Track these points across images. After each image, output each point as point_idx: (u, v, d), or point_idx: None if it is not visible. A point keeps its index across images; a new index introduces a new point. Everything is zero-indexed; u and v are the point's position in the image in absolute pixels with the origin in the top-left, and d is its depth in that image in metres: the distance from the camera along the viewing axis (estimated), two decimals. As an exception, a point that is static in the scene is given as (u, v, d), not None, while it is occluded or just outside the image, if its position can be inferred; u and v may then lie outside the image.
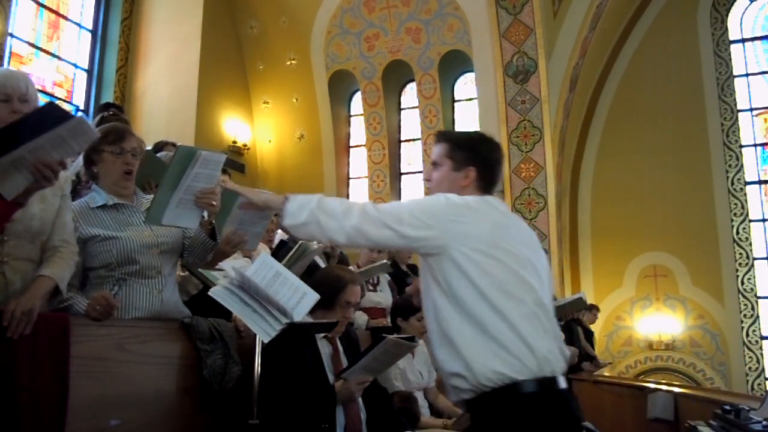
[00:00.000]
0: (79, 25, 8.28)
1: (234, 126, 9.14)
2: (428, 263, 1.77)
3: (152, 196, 2.35)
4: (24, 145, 1.64)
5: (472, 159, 1.86)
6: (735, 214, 8.39)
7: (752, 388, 7.95)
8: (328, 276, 2.61)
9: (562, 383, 1.69)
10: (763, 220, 8.49)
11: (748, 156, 8.62)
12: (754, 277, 8.24)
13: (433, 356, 1.83)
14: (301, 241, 3.09)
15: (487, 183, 1.88)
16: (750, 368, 8.12)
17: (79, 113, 8.00)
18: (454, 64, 8.72)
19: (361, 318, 3.95)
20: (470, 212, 1.74)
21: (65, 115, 1.68)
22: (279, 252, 3.51)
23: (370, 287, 4.42)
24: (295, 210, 1.79)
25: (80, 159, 2.55)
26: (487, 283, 1.66)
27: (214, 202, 2.23)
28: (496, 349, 1.62)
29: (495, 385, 1.61)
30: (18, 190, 1.70)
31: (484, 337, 1.63)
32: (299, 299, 2.08)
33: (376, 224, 1.73)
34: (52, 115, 1.67)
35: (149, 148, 3.25)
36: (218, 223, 2.36)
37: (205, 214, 2.30)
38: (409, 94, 9.38)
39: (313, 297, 2.15)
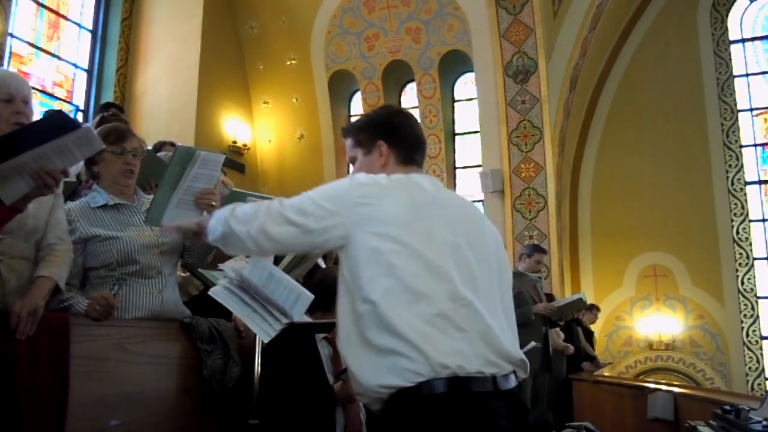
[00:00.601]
0: (79, 25, 8.28)
1: (234, 126, 9.14)
2: (341, 261, 1.57)
3: (153, 196, 2.36)
4: (29, 151, 1.64)
5: (377, 133, 1.74)
6: (735, 214, 8.39)
7: (752, 388, 7.95)
8: (328, 278, 2.58)
9: (484, 385, 1.42)
10: (763, 220, 8.50)
11: (748, 156, 8.63)
12: (754, 277, 8.25)
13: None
14: None
15: (405, 152, 1.73)
16: (750, 368, 8.13)
17: (79, 113, 8.01)
18: (454, 64, 8.72)
19: None
20: (378, 191, 1.53)
21: (73, 124, 1.69)
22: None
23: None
24: (213, 224, 1.68)
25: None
26: (390, 282, 1.44)
27: (214, 203, 2.24)
28: (381, 360, 1.43)
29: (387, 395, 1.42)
30: (18, 196, 1.70)
31: (368, 348, 1.45)
32: (295, 300, 2.08)
33: (278, 220, 1.55)
34: (61, 124, 1.67)
35: (149, 148, 3.25)
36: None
37: (205, 214, 2.30)
38: (409, 94, 9.37)
39: (307, 298, 2.14)
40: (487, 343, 1.46)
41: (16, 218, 1.85)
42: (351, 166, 1.83)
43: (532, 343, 4.13)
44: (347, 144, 1.83)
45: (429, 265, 1.47)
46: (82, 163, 2.50)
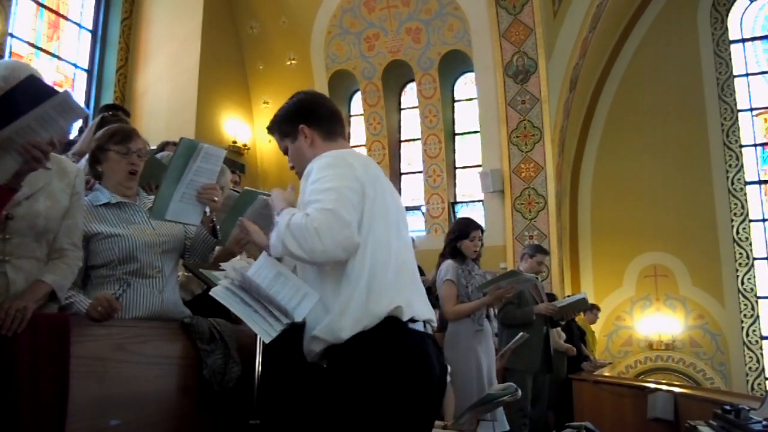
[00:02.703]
0: (79, 25, 8.28)
1: (234, 126, 9.14)
2: None
3: (154, 197, 2.36)
4: (9, 126, 1.57)
5: (294, 119, 1.90)
6: (735, 214, 8.39)
7: (752, 388, 7.95)
8: None
9: None
10: (763, 220, 8.50)
11: (748, 156, 8.63)
12: (754, 277, 8.25)
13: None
14: None
15: (325, 128, 1.91)
16: (750, 368, 8.13)
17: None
18: (454, 64, 8.72)
19: None
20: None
21: (49, 90, 1.62)
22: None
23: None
24: (274, 242, 1.75)
25: (83, 161, 2.55)
26: None
27: (216, 198, 2.26)
28: None
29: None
30: (8, 174, 1.65)
31: None
32: (300, 299, 2.08)
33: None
34: (36, 91, 1.60)
35: (153, 147, 3.26)
36: (229, 223, 2.40)
37: (207, 210, 2.31)
38: (409, 94, 9.38)
39: (314, 297, 2.15)
40: None
41: (26, 218, 1.82)
42: (286, 156, 1.97)
43: (521, 334, 4.14)
44: (277, 140, 1.99)
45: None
46: (83, 164, 2.51)
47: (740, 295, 8.24)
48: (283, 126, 1.94)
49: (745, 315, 8.21)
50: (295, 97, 1.99)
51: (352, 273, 1.68)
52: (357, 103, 9.51)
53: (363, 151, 9.34)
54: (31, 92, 1.60)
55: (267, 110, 9.56)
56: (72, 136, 3.92)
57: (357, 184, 1.70)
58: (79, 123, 4.19)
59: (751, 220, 8.39)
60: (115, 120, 3.36)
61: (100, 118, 3.47)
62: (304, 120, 1.89)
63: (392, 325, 1.66)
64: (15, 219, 1.81)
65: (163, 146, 3.60)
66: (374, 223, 1.72)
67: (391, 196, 1.85)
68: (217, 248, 2.49)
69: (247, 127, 9.43)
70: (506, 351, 4.20)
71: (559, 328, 5.57)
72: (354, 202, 1.66)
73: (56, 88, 1.70)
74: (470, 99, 8.86)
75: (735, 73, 8.69)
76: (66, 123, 1.70)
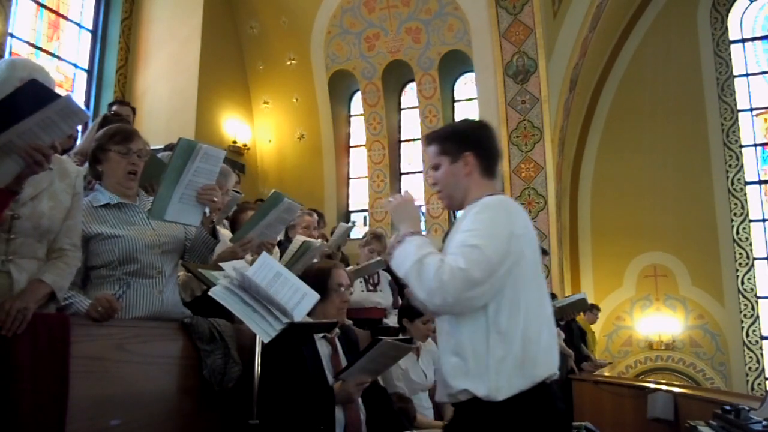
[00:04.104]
0: (79, 25, 8.28)
1: (234, 126, 9.14)
2: None
3: (153, 198, 2.37)
4: (10, 129, 1.57)
5: (465, 145, 1.84)
6: (735, 214, 8.39)
7: (752, 388, 7.95)
8: (311, 272, 2.68)
9: None
10: (763, 220, 8.50)
11: (748, 156, 8.63)
12: (754, 277, 8.25)
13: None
14: (303, 240, 3.11)
15: (488, 164, 1.86)
16: (750, 368, 8.13)
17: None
18: (454, 64, 8.72)
19: None
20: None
21: (51, 94, 1.62)
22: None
23: (371, 287, 4.42)
24: (397, 263, 1.74)
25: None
26: None
27: (215, 198, 2.26)
28: None
29: None
30: (9, 177, 1.65)
31: None
32: (299, 299, 2.09)
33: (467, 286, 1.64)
34: (38, 95, 1.60)
35: (159, 147, 3.27)
36: (250, 224, 2.47)
37: (207, 210, 2.32)
38: (409, 94, 9.37)
39: (313, 297, 2.15)
40: None
41: (30, 218, 1.82)
42: (433, 171, 1.90)
43: None
44: (430, 151, 1.91)
45: None
46: (85, 165, 2.52)
47: (740, 295, 8.24)
48: (448, 144, 1.86)
49: (745, 315, 8.21)
50: (469, 123, 1.97)
51: (507, 330, 1.64)
52: (357, 103, 9.51)
53: (363, 151, 9.35)
54: (33, 96, 1.59)
55: (267, 110, 9.57)
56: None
57: (508, 244, 1.65)
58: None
59: (751, 220, 8.39)
60: (117, 119, 3.36)
61: (102, 117, 3.48)
62: (473, 148, 1.84)
63: (546, 390, 1.66)
64: (20, 219, 1.81)
65: (171, 148, 3.60)
66: (528, 283, 1.69)
67: (538, 251, 1.81)
68: (218, 248, 2.49)
69: (247, 127, 9.43)
70: None
71: (558, 329, 5.58)
72: (495, 264, 1.62)
73: (58, 92, 1.69)
74: (470, 99, 8.86)
75: (735, 73, 8.69)
76: (68, 127, 1.70)
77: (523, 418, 1.61)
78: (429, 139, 1.93)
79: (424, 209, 8.81)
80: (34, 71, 1.85)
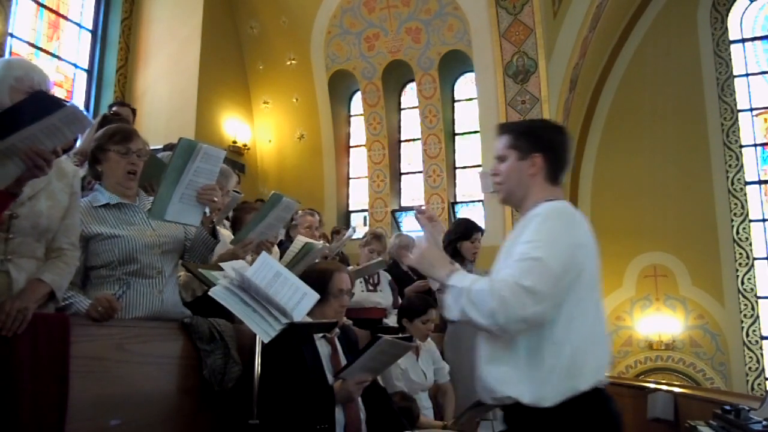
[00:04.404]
0: (79, 25, 8.28)
1: (234, 126, 9.14)
2: None
3: (153, 198, 2.37)
4: (15, 134, 1.59)
5: (537, 145, 1.79)
6: (735, 214, 8.38)
7: (752, 388, 7.95)
8: (314, 271, 2.65)
9: None
10: (763, 220, 8.49)
11: (748, 156, 8.62)
12: (754, 277, 8.24)
13: None
14: (305, 241, 3.11)
15: (555, 170, 1.82)
16: (750, 368, 8.12)
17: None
18: (454, 64, 8.72)
19: None
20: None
21: (57, 104, 1.63)
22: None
23: (371, 287, 4.42)
24: (450, 304, 1.67)
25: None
26: None
27: (216, 198, 2.26)
28: None
29: None
30: (10, 180, 1.66)
31: None
32: (299, 299, 2.09)
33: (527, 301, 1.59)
34: (45, 104, 1.61)
35: (158, 147, 3.27)
36: (252, 225, 2.48)
37: (207, 210, 2.32)
38: (409, 94, 9.37)
39: (313, 297, 2.15)
40: None
41: (29, 217, 1.83)
42: (497, 161, 1.84)
43: None
44: (500, 141, 1.85)
45: None
46: (85, 166, 2.52)
47: (740, 295, 8.24)
48: (521, 140, 1.80)
49: (745, 315, 8.21)
50: (549, 124, 1.91)
51: (560, 341, 1.61)
52: (357, 103, 9.51)
53: (363, 151, 9.35)
54: (39, 105, 1.61)
55: (267, 110, 9.57)
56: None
57: (571, 256, 1.62)
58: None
59: (751, 220, 8.38)
60: (117, 119, 3.37)
61: (102, 117, 3.48)
62: (544, 150, 1.79)
63: (597, 395, 1.63)
64: (19, 218, 1.81)
65: (170, 148, 3.60)
66: (587, 295, 1.67)
67: (598, 260, 1.77)
68: (218, 249, 2.49)
69: (247, 127, 9.43)
70: None
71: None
72: (559, 276, 1.58)
73: (65, 101, 1.72)
74: (470, 99, 8.85)
75: (735, 73, 8.68)
76: (71, 133, 1.72)
77: (573, 424, 1.59)
78: (503, 129, 1.88)
79: (424, 209, 8.79)
80: (30, 71, 1.85)
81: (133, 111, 4.44)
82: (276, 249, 3.40)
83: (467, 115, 8.96)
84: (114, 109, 4.22)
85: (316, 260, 3.23)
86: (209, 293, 2.04)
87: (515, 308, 1.53)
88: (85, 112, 1.71)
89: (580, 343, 1.62)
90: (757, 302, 8.21)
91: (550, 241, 1.62)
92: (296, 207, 2.71)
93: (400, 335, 2.90)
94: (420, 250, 1.81)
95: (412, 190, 9.19)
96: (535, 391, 1.59)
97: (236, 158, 8.92)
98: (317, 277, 2.52)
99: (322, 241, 3.71)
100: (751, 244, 8.31)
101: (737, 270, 8.27)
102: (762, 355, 8.14)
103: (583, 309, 1.65)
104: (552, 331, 1.61)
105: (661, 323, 8.51)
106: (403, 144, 9.41)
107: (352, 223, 9.18)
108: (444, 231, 1.90)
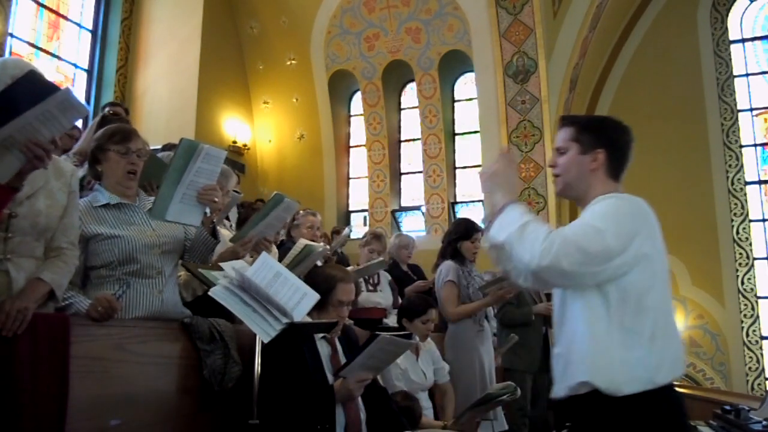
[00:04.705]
0: (79, 25, 8.28)
1: (234, 126, 9.14)
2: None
3: (154, 198, 2.37)
4: (10, 123, 1.57)
5: (601, 141, 1.79)
6: (735, 214, 8.38)
7: (752, 388, 7.95)
8: (319, 276, 2.59)
9: None
10: (763, 220, 8.49)
11: (748, 156, 8.61)
12: (754, 277, 8.24)
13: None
14: (305, 244, 3.11)
15: (616, 168, 1.81)
16: (750, 368, 8.12)
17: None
18: (454, 64, 8.71)
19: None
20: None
21: (50, 86, 1.61)
22: (278, 251, 3.52)
23: (371, 287, 4.42)
24: (496, 230, 1.69)
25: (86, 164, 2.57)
26: None
27: (216, 199, 2.27)
28: None
29: None
30: (11, 173, 1.65)
31: None
32: (299, 299, 2.09)
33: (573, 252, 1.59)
34: (36, 88, 1.59)
35: (157, 147, 3.27)
36: (253, 223, 2.48)
37: (207, 210, 2.32)
38: (409, 94, 9.37)
39: (313, 297, 2.16)
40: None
41: (27, 217, 1.82)
42: (557, 153, 1.82)
43: (511, 335, 4.18)
44: (562, 133, 1.84)
45: None
46: (85, 167, 2.52)
47: (740, 295, 8.23)
48: (584, 134, 1.80)
49: (745, 315, 8.21)
50: (614, 122, 1.89)
51: (632, 328, 1.60)
52: (357, 103, 9.51)
53: (363, 151, 9.35)
54: (31, 89, 1.58)
55: (267, 110, 9.57)
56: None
57: (631, 239, 1.60)
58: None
59: (751, 220, 8.38)
60: (116, 119, 3.37)
61: (101, 117, 3.49)
62: (608, 148, 1.79)
63: (672, 393, 1.63)
64: (18, 218, 1.81)
65: (170, 147, 3.60)
66: (657, 287, 1.66)
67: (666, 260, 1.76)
68: (218, 249, 2.49)
69: (247, 127, 9.43)
70: (497, 353, 4.21)
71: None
72: (613, 251, 1.57)
73: (57, 85, 1.68)
74: (470, 99, 8.85)
75: (735, 73, 8.68)
76: (67, 121, 1.69)
77: (647, 418, 1.57)
78: (567, 121, 1.86)
79: (424, 209, 8.81)
80: (25, 70, 1.85)
81: (126, 111, 4.44)
82: (275, 249, 3.40)
83: (467, 115, 8.96)
84: (107, 110, 4.22)
85: (317, 262, 3.23)
86: (209, 293, 2.04)
87: (560, 258, 1.54)
88: (78, 99, 1.68)
89: (658, 336, 1.61)
90: (757, 302, 8.21)
91: (614, 218, 1.62)
92: (297, 208, 2.72)
93: (399, 333, 2.88)
94: (506, 165, 1.79)
95: (412, 190, 9.19)
96: (610, 377, 1.58)
97: (236, 158, 8.92)
98: (320, 283, 2.46)
99: (323, 243, 3.71)
100: (751, 244, 8.30)
101: (737, 270, 8.26)
102: (762, 355, 8.13)
103: (656, 300, 1.64)
104: (621, 317, 1.59)
105: (661, 323, 8.50)
106: (403, 144, 9.41)
107: (352, 223, 9.18)
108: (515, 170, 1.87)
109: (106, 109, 4.26)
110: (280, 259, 2.99)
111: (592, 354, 1.61)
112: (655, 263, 1.66)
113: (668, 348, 1.63)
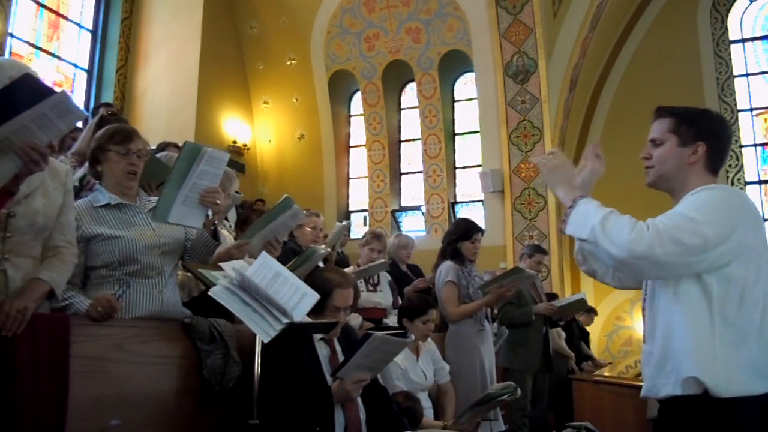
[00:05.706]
0: (79, 25, 8.28)
1: (234, 126, 9.15)
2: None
3: (155, 198, 2.37)
4: (6, 124, 1.56)
5: (702, 134, 1.71)
6: (735, 214, 8.38)
7: None
8: (317, 280, 2.52)
9: None
10: (764, 221, 8.49)
11: (748, 156, 8.62)
12: (754, 277, 8.24)
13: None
14: (308, 245, 3.11)
15: (716, 162, 1.74)
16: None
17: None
18: (454, 64, 8.72)
19: (355, 320, 3.88)
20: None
21: (46, 89, 1.61)
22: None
23: (371, 287, 4.42)
24: (575, 220, 1.68)
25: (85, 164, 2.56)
26: None
27: (219, 201, 2.26)
28: None
29: None
30: (8, 177, 1.65)
31: None
32: (299, 299, 2.09)
33: (668, 243, 1.53)
34: (32, 91, 1.58)
35: (153, 147, 3.26)
36: (258, 226, 2.47)
37: (210, 213, 2.31)
38: (409, 94, 9.37)
39: (313, 297, 2.15)
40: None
41: (25, 216, 1.82)
42: (651, 145, 1.78)
43: (503, 329, 4.21)
44: (658, 124, 1.78)
45: None
46: (85, 166, 2.51)
47: (740, 295, 8.24)
48: (684, 126, 1.73)
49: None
50: (714, 115, 1.81)
51: (738, 323, 1.53)
52: (357, 103, 9.51)
53: (363, 151, 9.35)
54: (28, 91, 1.58)
55: (267, 110, 9.57)
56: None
57: (731, 230, 1.54)
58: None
59: (751, 220, 8.38)
60: (114, 119, 3.36)
61: (99, 118, 3.47)
62: (709, 141, 1.71)
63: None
64: (16, 217, 1.81)
65: (164, 147, 3.60)
66: (762, 277, 1.58)
67: None
68: (217, 250, 2.49)
69: (247, 127, 9.43)
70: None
71: (559, 329, 5.58)
72: (710, 241, 1.51)
73: (54, 88, 1.69)
74: (470, 99, 8.86)
75: (735, 73, 8.68)
76: (64, 125, 1.69)
77: (751, 426, 1.49)
78: (665, 111, 1.78)
79: (424, 209, 8.81)
80: (23, 71, 1.85)
81: (119, 112, 4.45)
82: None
83: (467, 115, 8.96)
84: (100, 111, 4.21)
85: (318, 263, 3.22)
86: (209, 293, 2.04)
87: (655, 248, 1.49)
88: (75, 103, 1.68)
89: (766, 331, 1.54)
90: (757, 302, 8.21)
91: (711, 209, 1.57)
92: (302, 217, 2.70)
93: (393, 331, 2.86)
94: (560, 161, 1.76)
95: (412, 190, 9.19)
96: (717, 373, 1.50)
97: (236, 158, 8.92)
98: (317, 288, 2.35)
99: (324, 246, 3.70)
100: (751, 244, 8.31)
101: (737, 270, 8.26)
102: (762, 355, 8.14)
103: (766, 296, 1.56)
104: (723, 310, 1.53)
105: (661, 323, 8.50)
106: (403, 144, 9.41)
107: (352, 223, 9.18)
108: (598, 173, 1.85)
109: (100, 110, 4.26)
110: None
111: (696, 349, 1.53)
112: (759, 255, 1.59)
113: None
